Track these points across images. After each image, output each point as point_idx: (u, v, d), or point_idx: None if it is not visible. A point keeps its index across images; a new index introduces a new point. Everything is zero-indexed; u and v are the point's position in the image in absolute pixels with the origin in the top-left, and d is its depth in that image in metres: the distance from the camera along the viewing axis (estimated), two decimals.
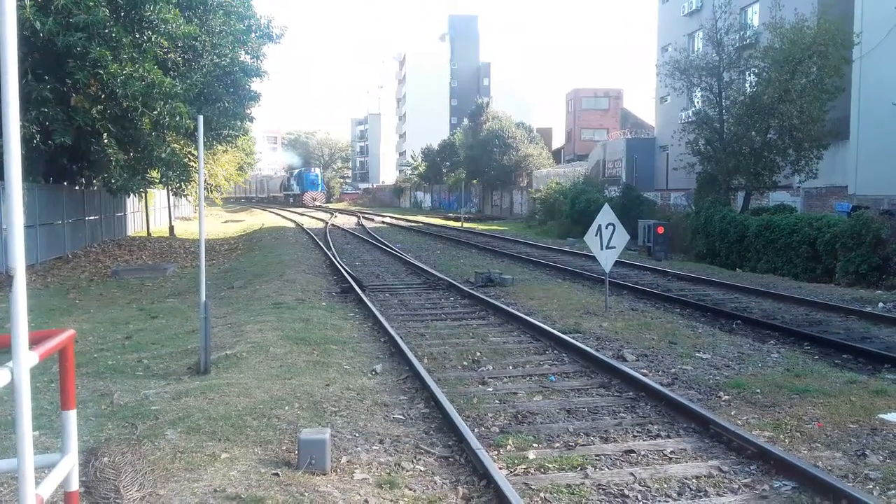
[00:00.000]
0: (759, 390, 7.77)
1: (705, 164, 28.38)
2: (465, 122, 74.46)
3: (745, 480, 5.52)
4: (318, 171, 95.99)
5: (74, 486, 3.08)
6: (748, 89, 27.41)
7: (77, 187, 25.49)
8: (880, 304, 14.59)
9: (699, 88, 28.69)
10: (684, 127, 30.48)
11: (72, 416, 3.04)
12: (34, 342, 2.62)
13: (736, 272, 21.92)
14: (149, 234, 34.65)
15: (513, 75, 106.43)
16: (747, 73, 28.32)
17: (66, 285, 18.09)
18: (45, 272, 19.79)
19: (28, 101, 17.02)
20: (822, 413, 6.97)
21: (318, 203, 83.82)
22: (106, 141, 19.97)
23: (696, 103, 30.35)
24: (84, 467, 5.29)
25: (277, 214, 60.53)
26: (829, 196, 28.70)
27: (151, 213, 37.80)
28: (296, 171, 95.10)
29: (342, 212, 64.19)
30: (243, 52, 25.58)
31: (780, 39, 25.50)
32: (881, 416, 6.83)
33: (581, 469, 5.77)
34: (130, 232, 34.50)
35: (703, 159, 28.27)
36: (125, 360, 9.59)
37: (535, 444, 6.34)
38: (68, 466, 2.97)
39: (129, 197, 30.26)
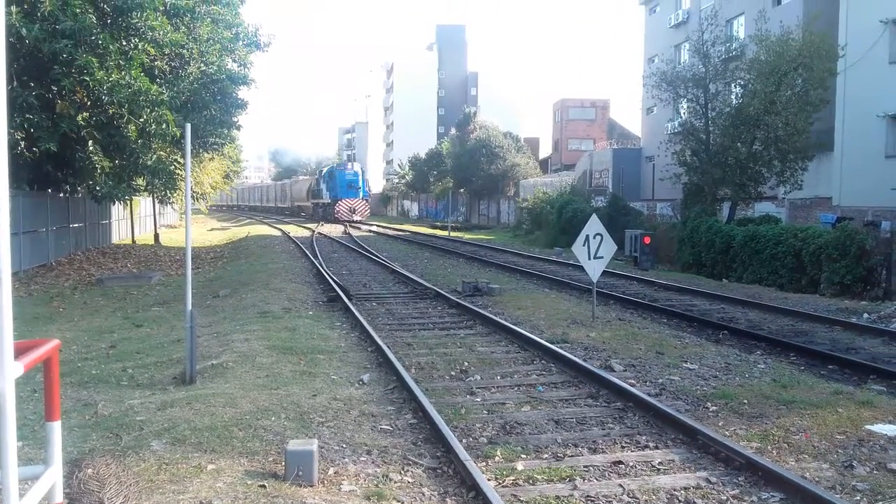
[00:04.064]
0: (746, 401, 7.78)
1: (691, 174, 28.54)
2: (453, 131, 74.63)
3: (734, 492, 5.52)
4: (357, 167, 63.97)
5: (58, 498, 3.03)
6: (734, 101, 27.62)
7: (62, 194, 25.31)
8: (865, 315, 14.68)
9: (685, 99, 28.88)
10: (671, 138, 30.68)
11: (56, 428, 3.00)
12: (19, 352, 2.57)
13: (722, 282, 22.03)
14: (134, 241, 34.45)
15: (500, 85, 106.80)
16: (733, 85, 28.51)
17: (49, 293, 17.93)
18: (29, 280, 19.60)
19: (13, 108, 16.88)
20: (809, 424, 6.99)
21: (357, 217, 57.36)
22: (91, 148, 19.85)
23: (682, 114, 30.53)
24: (68, 479, 5.23)
25: (265, 223, 60.29)
26: (814, 207, 28.92)
27: (136, 220, 37.59)
28: (324, 170, 65.21)
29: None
30: (230, 60, 25.53)
31: (765, 51, 25.73)
32: (868, 427, 6.85)
33: (570, 480, 5.75)
34: (115, 240, 34.26)
35: (690, 170, 28.43)
36: (109, 370, 9.51)
37: (523, 455, 6.31)
38: (52, 478, 2.92)
39: (114, 204, 30.06)
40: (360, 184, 60.19)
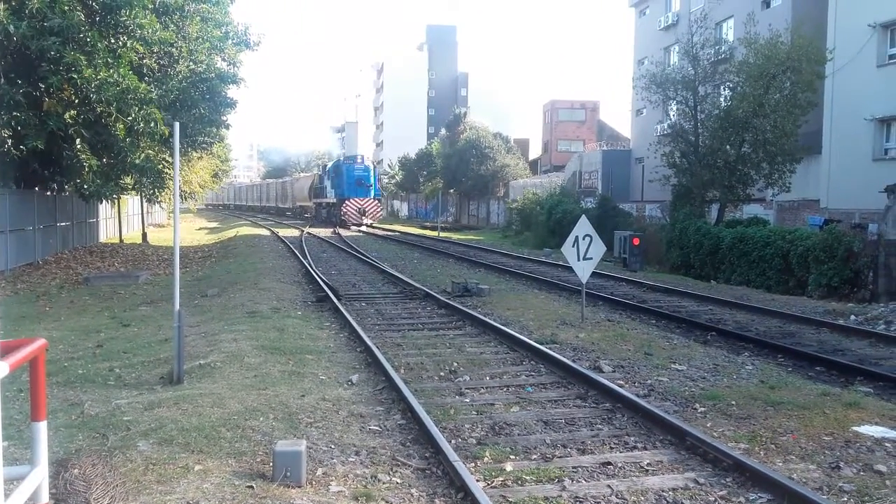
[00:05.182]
0: (734, 402, 7.81)
1: (680, 176, 28.65)
2: (443, 131, 74.70)
3: (721, 493, 5.53)
4: (368, 161, 55.03)
5: (44, 498, 3.01)
6: (723, 103, 27.76)
7: (49, 193, 25.16)
8: (852, 317, 14.76)
9: (675, 102, 29.00)
10: (660, 139, 30.79)
11: (42, 428, 2.98)
12: (5, 352, 2.55)
13: (710, 284, 22.09)
14: (121, 240, 34.27)
15: (491, 86, 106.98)
16: (722, 87, 28.67)
17: (36, 292, 17.82)
18: (15, 279, 19.47)
19: (0, 105, 16.78)
20: (796, 425, 7.01)
21: (367, 220, 49.42)
22: (79, 146, 19.72)
23: (671, 116, 30.65)
24: (54, 479, 5.18)
25: (261, 226, 60.04)
26: (802, 209, 29.08)
27: (124, 219, 37.40)
28: (329, 165, 56.99)
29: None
30: (220, 59, 25.46)
31: (754, 54, 25.86)
32: (854, 428, 6.88)
33: (558, 481, 5.75)
34: (103, 238, 34.08)
35: (679, 172, 28.55)
36: (96, 369, 9.45)
37: (512, 456, 6.31)
38: (38, 479, 2.90)
39: (101, 203, 29.91)
40: (372, 180, 50.94)
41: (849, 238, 19.77)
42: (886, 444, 6.49)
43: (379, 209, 51.97)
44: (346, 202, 49.12)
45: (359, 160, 52.95)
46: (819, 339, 12.61)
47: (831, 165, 27.56)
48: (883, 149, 25.98)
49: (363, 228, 47.50)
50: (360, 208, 49.05)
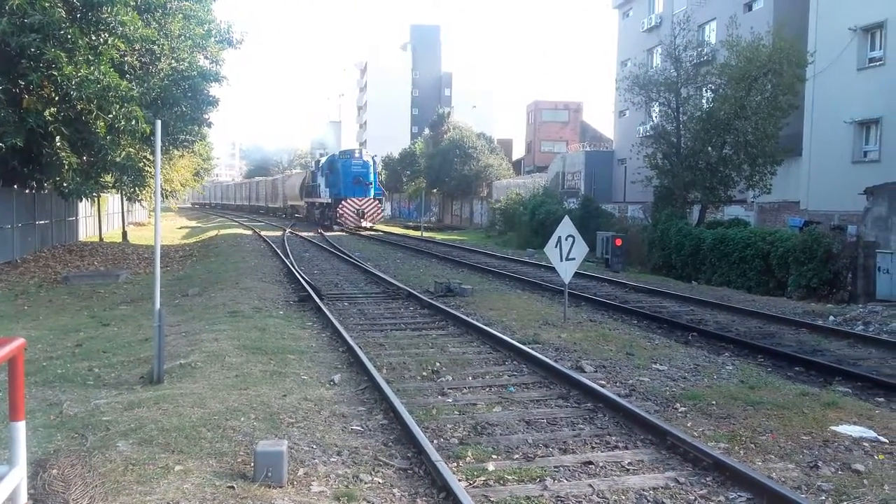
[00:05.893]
0: (714, 402, 7.86)
1: (662, 177, 28.81)
2: (426, 131, 74.72)
3: (702, 492, 5.57)
4: (367, 156, 48.45)
5: (22, 499, 2.98)
6: (705, 105, 27.94)
7: (28, 190, 24.89)
8: (831, 318, 14.90)
9: (657, 103, 29.18)
10: (642, 141, 30.94)
11: (20, 428, 2.95)
12: None
13: (691, 284, 22.23)
14: (101, 239, 33.98)
15: (474, 86, 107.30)
16: (704, 89, 28.84)
17: (14, 291, 17.64)
18: None
19: None
20: (775, 425, 7.08)
21: (367, 223, 44.83)
22: (59, 144, 19.54)
23: (654, 118, 30.83)
24: (32, 480, 5.14)
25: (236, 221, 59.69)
26: (782, 211, 29.33)
27: (104, 217, 37.09)
28: (323, 160, 50.64)
29: (300, 219, 63.27)
30: (202, 57, 25.29)
31: (736, 57, 26.06)
32: (833, 427, 6.95)
33: (540, 481, 5.77)
34: (82, 237, 33.79)
35: (661, 173, 28.70)
36: (75, 369, 9.37)
37: (494, 456, 6.32)
38: (16, 479, 2.87)
39: (81, 201, 29.65)
40: (372, 178, 45.88)
41: (828, 239, 19.96)
42: (864, 444, 6.56)
43: (379, 210, 46.77)
44: (343, 203, 44.42)
45: (356, 154, 47.45)
46: (798, 339, 12.72)
47: (811, 167, 27.82)
48: (862, 151, 26.26)
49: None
50: (358, 210, 44.34)
